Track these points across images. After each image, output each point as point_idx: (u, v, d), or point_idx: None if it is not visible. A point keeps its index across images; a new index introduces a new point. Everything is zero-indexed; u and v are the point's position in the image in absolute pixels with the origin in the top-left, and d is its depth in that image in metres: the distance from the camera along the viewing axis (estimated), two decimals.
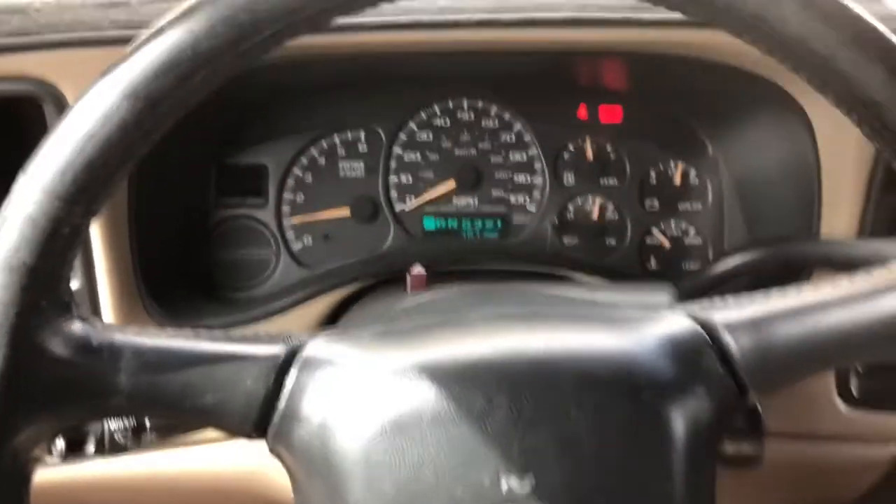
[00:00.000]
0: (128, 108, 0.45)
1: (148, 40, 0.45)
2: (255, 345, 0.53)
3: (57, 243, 0.45)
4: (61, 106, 0.78)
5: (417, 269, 0.84)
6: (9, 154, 0.83)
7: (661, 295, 0.74)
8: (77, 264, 0.83)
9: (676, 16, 0.48)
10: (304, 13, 0.45)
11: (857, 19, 0.45)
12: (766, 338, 0.53)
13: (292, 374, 0.52)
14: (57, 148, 0.45)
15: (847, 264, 0.82)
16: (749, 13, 0.45)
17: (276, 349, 0.53)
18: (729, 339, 0.53)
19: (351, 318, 0.86)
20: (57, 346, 0.47)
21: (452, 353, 0.51)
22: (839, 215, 0.88)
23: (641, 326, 0.55)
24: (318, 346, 0.54)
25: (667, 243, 1.09)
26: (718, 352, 0.53)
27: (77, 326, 0.49)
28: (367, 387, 0.51)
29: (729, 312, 0.55)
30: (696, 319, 0.55)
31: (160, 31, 0.45)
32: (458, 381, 0.50)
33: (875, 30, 0.45)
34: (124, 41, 0.74)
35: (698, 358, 0.53)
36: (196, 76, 0.45)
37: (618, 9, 0.81)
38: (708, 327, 0.54)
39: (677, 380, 0.51)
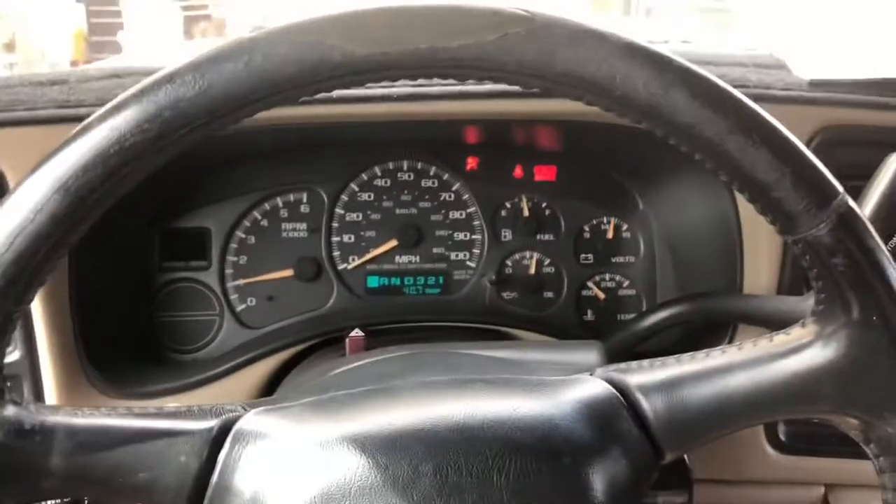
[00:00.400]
0: (58, 201, 0.46)
1: (77, 135, 0.47)
2: (188, 420, 0.54)
3: None
4: (1, 183, 0.79)
5: (355, 332, 0.86)
6: None
7: (589, 353, 0.77)
8: (16, 335, 0.84)
9: None
10: (223, 111, 0.48)
11: (742, 107, 0.49)
12: (677, 400, 0.55)
13: (225, 448, 0.54)
14: None
15: (765, 319, 0.86)
16: (643, 104, 0.49)
17: (209, 424, 0.55)
18: (643, 402, 0.56)
19: (290, 383, 0.88)
20: None
21: (379, 423, 0.53)
22: (759, 271, 0.92)
23: (561, 391, 0.57)
24: (250, 420, 0.56)
25: (602, 295, 1.13)
26: (633, 414, 0.56)
27: (9, 410, 0.50)
28: (296, 459, 0.52)
29: (643, 375, 0.57)
30: (612, 383, 0.58)
31: (89, 127, 0.47)
32: (384, 450, 0.52)
33: (758, 115, 0.49)
34: (61, 120, 0.77)
35: (615, 421, 0.55)
36: (124, 169, 0.47)
37: None
38: (623, 390, 0.57)
39: (595, 443, 0.54)
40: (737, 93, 0.49)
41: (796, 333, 0.55)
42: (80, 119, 0.77)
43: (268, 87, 0.48)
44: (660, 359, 0.59)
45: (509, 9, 0.49)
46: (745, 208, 0.92)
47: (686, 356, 0.58)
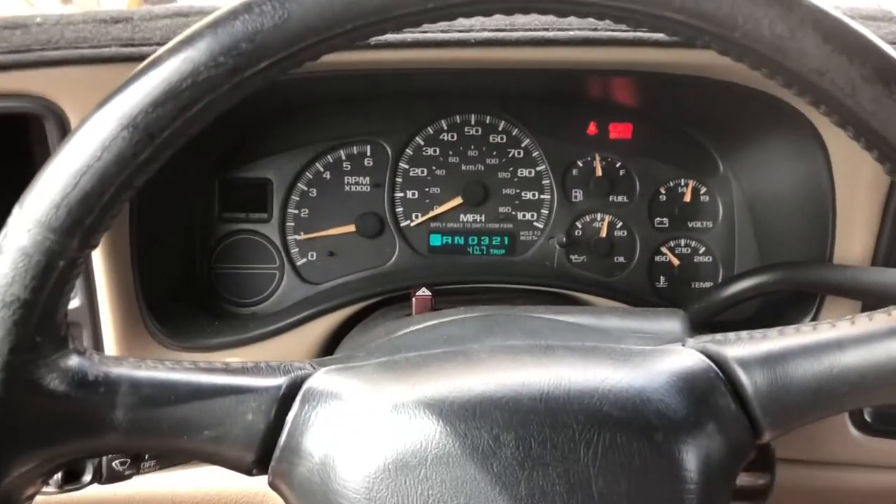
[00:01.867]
0: (125, 139, 0.43)
1: (147, 69, 0.44)
2: (255, 377, 0.52)
3: (52, 277, 0.44)
4: (63, 124, 0.76)
5: (422, 291, 0.82)
6: (13, 170, 0.82)
7: (672, 322, 0.72)
8: (77, 284, 0.82)
9: None
10: (304, 44, 0.44)
11: (880, 54, 0.43)
12: (780, 376, 0.51)
13: (294, 407, 0.51)
14: (52, 180, 0.43)
15: (860, 293, 0.80)
16: (767, 46, 0.44)
17: (278, 381, 0.52)
18: (743, 376, 0.52)
19: (354, 341, 0.85)
20: (52, 382, 0.46)
21: (457, 388, 0.50)
22: (853, 240, 0.86)
23: (653, 362, 0.53)
24: (320, 379, 0.53)
25: (676, 261, 1.08)
26: (732, 389, 0.52)
27: (73, 360, 0.47)
28: (370, 422, 0.50)
29: (742, 348, 0.53)
30: (707, 354, 0.54)
31: (159, 60, 0.44)
32: (462, 417, 0.48)
33: None
34: (125, 59, 0.74)
35: (712, 395, 0.51)
36: (195, 106, 0.44)
37: (629, 29, 0.79)
38: (720, 363, 0.53)
39: (690, 418, 0.50)
40: (875, 37, 0.44)
41: None
42: (144, 58, 0.75)
43: (352, 20, 0.44)
44: (760, 330, 0.55)
45: None
46: (840, 173, 0.85)
47: (790, 328, 0.53)
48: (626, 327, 0.72)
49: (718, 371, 0.52)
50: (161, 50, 0.44)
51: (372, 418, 0.50)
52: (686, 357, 0.54)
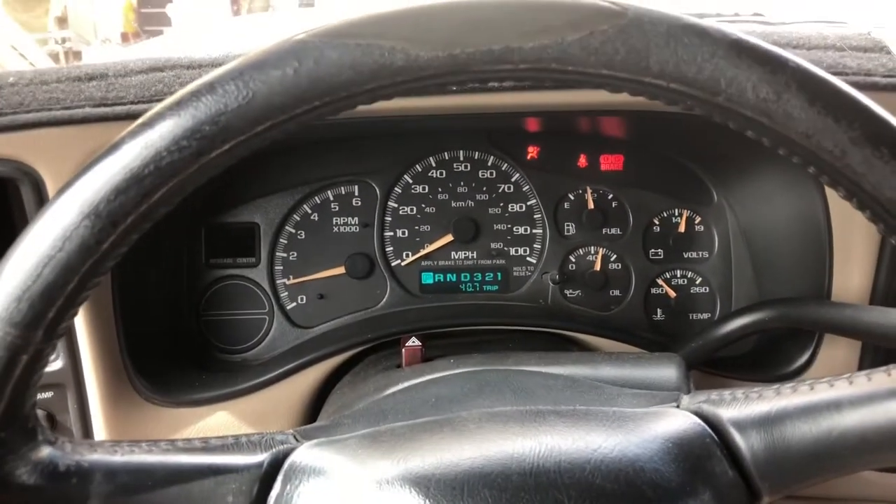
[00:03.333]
0: (87, 227, 0.42)
1: (107, 153, 0.42)
2: (235, 454, 0.50)
3: (15, 372, 0.42)
4: (38, 186, 0.75)
5: (411, 341, 0.81)
6: None
7: (668, 369, 0.71)
8: (59, 344, 0.81)
9: None
10: (269, 124, 0.42)
11: (868, 115, 0.42)
12: (778, 439, 0.49)
13: (276, 487, 0.50)
14: (13, 272, 0.42)
15: (859, 332, 0.78)
16: (751, 110, 0.42)
17: (259, 458, 0.50)
18: (739, 440, 0.50)
19: (342, 395, 0.83)
20: (22, 476, 0.45)
21: (444, 463, 0.48)
22: (851, 275, 0.84)
23: (646, 427, 0.51)
24: (303, 454, 0.51)
25: (673, 293, 1.06)
26: (728, 454, 0.50)
27: (43, 452, 0.46)
28: (355, 501, 0.48)
29: (738, 409, 0.51)
30: (702, 416, 0.52)
31: (120, 144, 0.42)
32: (450, 497, 0.47)
33: (889, 125, 0.42)
34: (98, 119, 0.73)
35: (707, 461, 0.49)
36: (159, 191, 0.42)
37: None
38: (716, 425, 0.51)
39: (686, 487, 0.48)
40: (862, 97, 0.42)
41: None
42: (119, 118, 0.73)
43: (319, 97, 0.42)
44: (756, 389, 0.53)
45: (596, 2, 0.42)
46: (837, 207, 0.84)
47: (786, 387, 0.52)
48: (619, 376, 0.70)
49: (714, 435, 0.51)
50: (123, 133, 0.43)
51: (357, 497, 0.48)
52: (680, 420, 0.52)
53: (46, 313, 0.42)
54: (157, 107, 0.43)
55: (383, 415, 0.63)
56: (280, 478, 0.50)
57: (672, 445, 0.50)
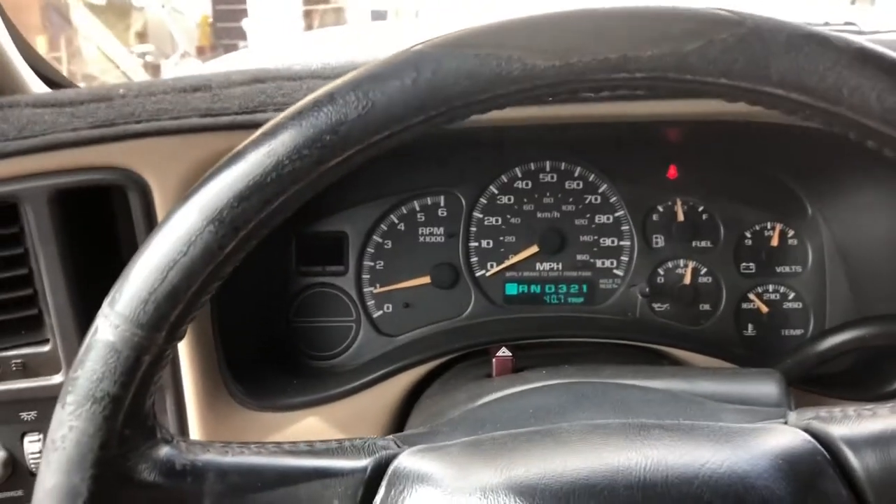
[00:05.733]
0: (211, 232, 0.43)
1: (231, 162, 0.44)
2: (339, 458, 0.51)
3: (140, 372, 0.44)
4: (145, 193, 0.78)
5: (502, 352, 0.81)
6: (95, 236, 0.84)
7: (768, 385, 0.69)
8: None
9: None
10: (387, 133, 0.43)
11: None
12: (895, 457, 0.48)
13: (381, 492, 0.50)
14: (140, 275, 0.44)
15: None
16: (875, 120, 0.41)
17: (363, 463, 0.51)
18: (853, 459, 0.49)
19: (433, 401, 0.84)
20: (142, 473, 0.47)
21: (549, 474, 0.48)
22: None
23: (755, 442, 0.50)
24: (406, 461, 0.52)
25: (765, 308, 1.03)
26: (841, 473, 0.49)
27: (161, 450, 0.48)
28: None
29: (849, 426, 0.50)
30: (812, 434, 0.51)
31: (243, 153, 0.44)
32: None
33: None
34: (204, 129, 0.75)
35: (820, 480, 0.48)
36: (280, 198, 0.44)
37: None
38: (827, 443, 0.50)
39: None
40: None
41: None
42: (224, 128, 0.76)
43: (437, 106, 0.43)
44: (868, 406, 0.52)
45: (714, 10, 0.42)
46: None
47: None
48: (718, 391, 0.69)
49: (825, 452, 0.49)
50: (246, 142, 0.44)
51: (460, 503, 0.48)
52: (790, 437, 0.51)
53: (170, 315, 0.44)
54: (279, 117, 0.44)
55: (481, 423, 0.63)
56: (384, 483, 0.51)
57: (783, 462, 0.49)
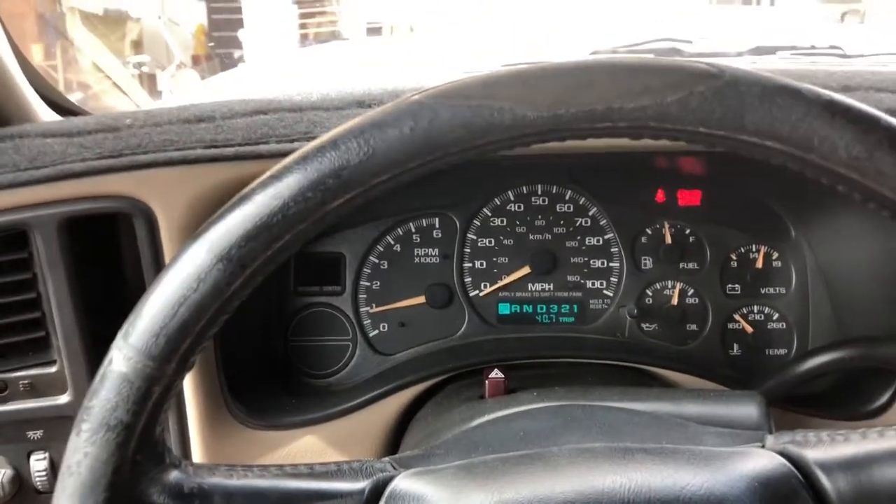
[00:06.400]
0: (220, 270, 0.46)
1: (239, 203, 0.47)
2: (338, 480, 0.54)
3: (150, 401, 0.47)
4: (151, 220, 0.80)
5: (495, 373, 0.83)
6: (102, 260, 0.86)
7: (749, 407, 0.72)
8: None
9: None
10: (386, 177, 0.46)
11: None
12: (865, 482, 0.50)
13: None
14: (152, 310, 0.46)
15: None
16: (842, 168, 0.44)
17: (361, 485, 0.54)
18: (825, 482, 0.51)
19: (427, 423, 0.86)
20: (153, 496, 0.49)
21: (538, 497, 0.51)
22: None
23: (731, 466, 0.53)
24: (402, 483, 0.54)
25: (750, 328, 1.06)
26: (814, 494, 0.51)
27: (171, 475, 0.50)
28: None
29: (823, 451, 0.53)
30: (788, 457, 0.53)
31: (251, 195, 0.46)
32: None
33: None
34: (209, 160, 0.78)
35: (792, 501, 0.51)
36: (285, 237, 0.46)
37: None
38: (801, 466, 0.52)
39: None
40: None
41: None
42: (228, 159, 0.79)
43: (433, 152, 0.46)
44: (841, 431, 0.54)
45: (694, 64, 0.45)
46: None
47: (873, 431, 0.53)
48: (703, 414, 0.71)
49: (799, 475, 0.52)
50: (253, 184, 0.47)
51: None
52: (766, 460, 0.53)
53: (179, 348, 0.47)
54: (286, 161, 0.47)
55: (474, 446, 0.65)
56: None
57: (759, 485, 0.51)
